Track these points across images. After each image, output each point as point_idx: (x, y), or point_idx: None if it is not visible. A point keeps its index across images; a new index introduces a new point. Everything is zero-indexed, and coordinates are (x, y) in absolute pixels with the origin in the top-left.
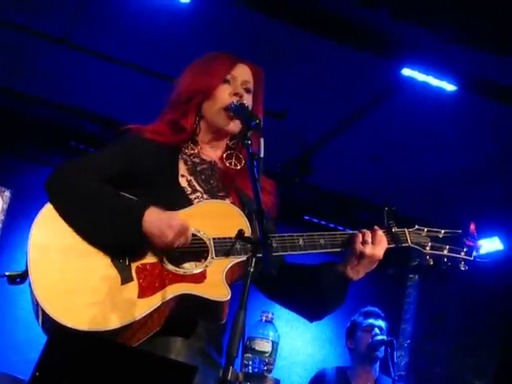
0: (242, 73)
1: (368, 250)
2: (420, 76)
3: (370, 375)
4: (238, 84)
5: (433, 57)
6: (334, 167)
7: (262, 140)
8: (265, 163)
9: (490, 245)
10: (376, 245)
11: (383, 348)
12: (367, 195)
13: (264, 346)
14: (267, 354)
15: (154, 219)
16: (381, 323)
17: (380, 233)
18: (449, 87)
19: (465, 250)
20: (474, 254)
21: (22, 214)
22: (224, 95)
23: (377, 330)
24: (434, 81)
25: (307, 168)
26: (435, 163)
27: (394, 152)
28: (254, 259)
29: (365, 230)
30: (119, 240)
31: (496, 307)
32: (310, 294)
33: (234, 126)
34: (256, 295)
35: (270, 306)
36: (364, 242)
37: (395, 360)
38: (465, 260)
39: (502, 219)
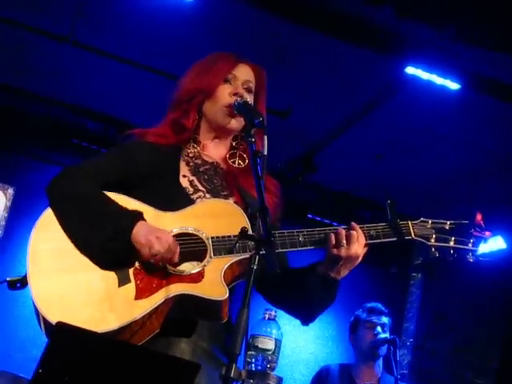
0: (244, 72)
1: (343, 252)
2: (424, 74)
3: (373, 372)
4: (238, 84)
5: (436, 55)
6: (337, 166)
7: (265, 138)
8: (268, 161)
9: (493, 244)
10: (351, 244)
11: (386, 346)
12: (370, 194)
13: (267, 343)
14: (270, 352)
15: (144, 229)
16: (384, 320)
17: (354, 232)
18: (453, 86)
19: (472, 240)
20: (482, 244)
21: (25, 212)
22: (224, 95)
23: (379, 329)
24: (437, 79)
25: (311, 167)
26: (439, 162)
27: (398, 151)
28: (257, 257)
29: (339, 231)
30: (106, 245)
31: (499, 306)
32: (296, 298)
33: (235, 123)
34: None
35: None
36: (337, 245)
37: (398, 358)
38: (472, 251)
39: (505, 218)
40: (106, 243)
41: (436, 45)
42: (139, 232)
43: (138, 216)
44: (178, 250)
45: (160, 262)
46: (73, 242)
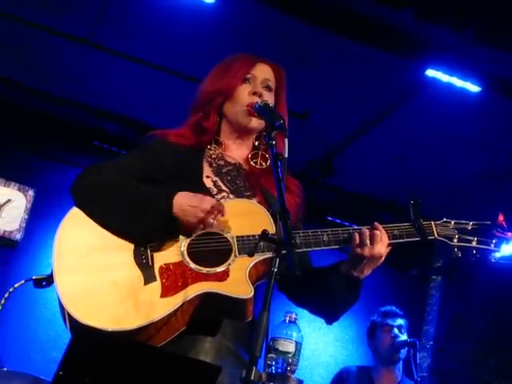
0: (262, 71)
1: (366, 251)
2: (444, 77)
3: (393, 376)
4: (257, 83)
5: (457, 58)
6: (357, 168)
7: (286, 140)
8: (288, 163)
9: None
10: (375, 244)
11: (406, 349)
12: (390, 196)
13: (287, 346)
14: (290, 355)
15: (182, 199)
16: (400, 322)
17: (378, 232)
18: (473, 88)
19: (494, 241)
20: (504, 244)
21: (45, 214)
22: (244, 94)
23: (396, 331)
24: (458, 82)
25: (330, 169)
26: (459, 164)
27: (417, 153)
28: (277, 259)
29: (362, 231)
30: (150, 226)
31: None
32: (320, 297)
33: (256, 122)
34: (280, 296)
35: (293, 307)
36: (361, 245)
37: (418, 361)
38: (494, 251)
39: None
40: (151, 231)
41: (457, 47)
42: (178, 203)
43: (171, 193)
44: (223, 207)
45: (210, 219)
46: (108, 227)
